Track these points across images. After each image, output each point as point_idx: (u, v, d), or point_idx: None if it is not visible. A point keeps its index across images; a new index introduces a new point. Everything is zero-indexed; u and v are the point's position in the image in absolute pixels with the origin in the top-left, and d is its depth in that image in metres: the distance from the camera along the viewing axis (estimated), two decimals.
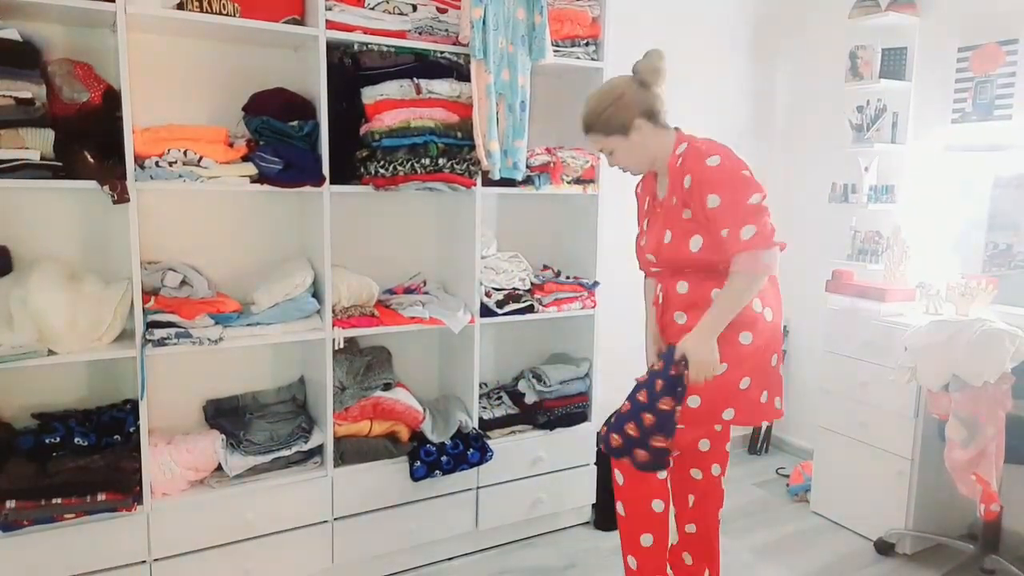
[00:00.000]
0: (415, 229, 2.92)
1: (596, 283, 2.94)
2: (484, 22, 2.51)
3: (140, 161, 2.15)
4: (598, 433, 2.42)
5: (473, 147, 2.57)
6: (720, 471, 2.35)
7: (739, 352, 2.05)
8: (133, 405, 2.27)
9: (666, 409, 2.04)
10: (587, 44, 2.85)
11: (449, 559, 2.79)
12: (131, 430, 2.24)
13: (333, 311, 2.48)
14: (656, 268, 2.21)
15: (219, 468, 2.38)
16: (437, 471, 2.60)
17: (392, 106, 2.45)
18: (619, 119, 2.10)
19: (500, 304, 2.75)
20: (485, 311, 2.73)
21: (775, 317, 2.12)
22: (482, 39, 2.51)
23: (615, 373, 2.89)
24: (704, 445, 2.30)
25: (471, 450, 2.64)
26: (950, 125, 3.13)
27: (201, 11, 2.19)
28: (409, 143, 2.46)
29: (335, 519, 2.52)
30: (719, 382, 2.05)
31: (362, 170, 2.49)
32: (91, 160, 2.10)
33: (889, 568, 2.82)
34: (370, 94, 2.46)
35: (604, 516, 3.05)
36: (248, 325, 2.36)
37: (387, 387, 2.64)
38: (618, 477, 2.16)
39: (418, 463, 2.58)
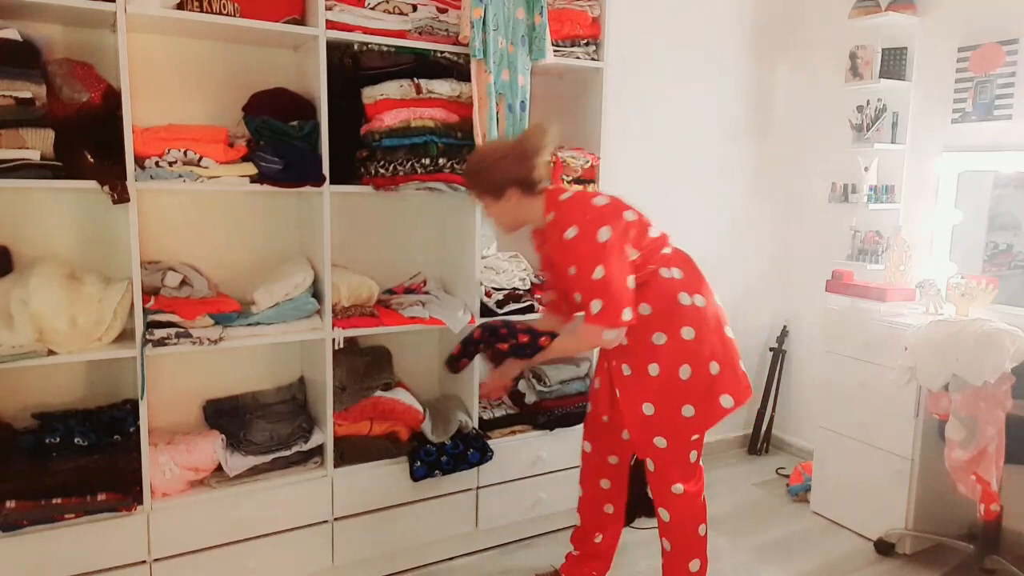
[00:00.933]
0: (415, 229, 2.92)
1: None
2: (484, 22, 2.50)
3: (140, 161, 2.15)
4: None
5: (473, 147, 2.56)
6: (655, 471, 2.25)
7: (688, 348, 2.13)
8: (133, 405, 2.27)
9: (476, 337, 2.28)
10: (587, 44, 2.85)
11: (449, 559, 2.79)
12: (131, 430, 2.24)
13: (333, 311, 2.47)
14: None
15: (219, 468, 2.37)
16: (437, 471, 2.59)
17: (392, 106, 2.45)
18: (492, 183, 2.17)
19: (500, 304, 2.75)
20: (485, 311, 2.73)
21: (707, 304, 2.18)
22: (482, 39, 2.51)
23: None
24: (660, 441, 2.20)
25: (471, 450, 2.64)
26: (950, 125, 3.13)
27: (201, 11, 2.19)
28: (409, 143, 2.46)
29: (335, 519, 2.52)
30: (694, 386, 2.13)
31: (362, 170, 2.49)
32: (91, 160, 2.10)
33: (889, 568, 2.82)
34: (370, 94, 2.46)
35: None
36: (248, 325, 2.35)
37: (387, 387, 2.63)
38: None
39: (418, 463, 2.58)
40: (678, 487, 2.20)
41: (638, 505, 3.13)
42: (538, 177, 2.17)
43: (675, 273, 2.16)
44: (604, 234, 2.05)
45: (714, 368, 2.13)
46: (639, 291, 2.11)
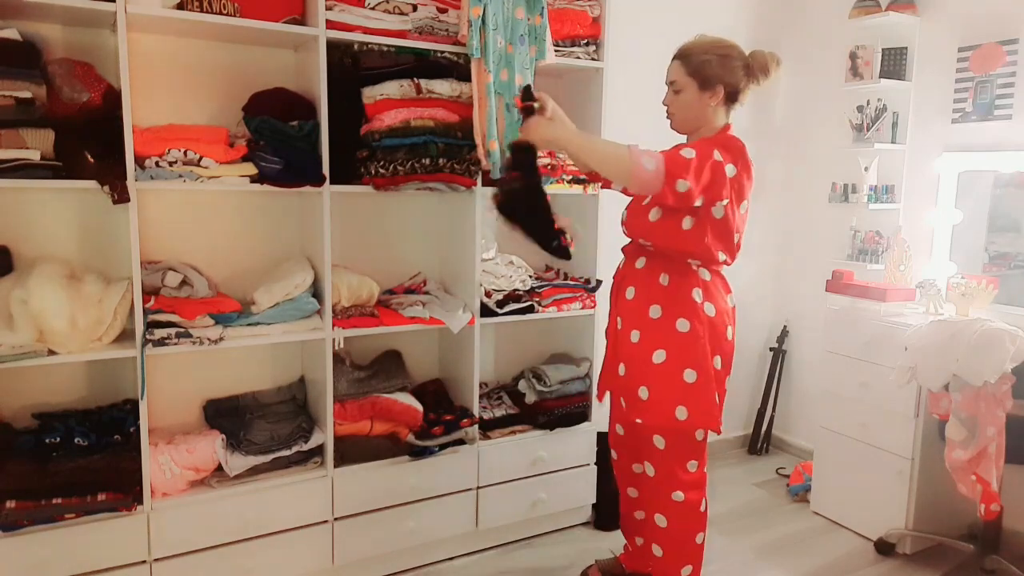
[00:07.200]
0: (415, 229, 2.92)
1: (600, 282, 2.93)
2: (483, 21, 2.50)
3: (140, 161, 2.15)
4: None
5: (473, 147, 2.56)
6: (655, 476, 2.21)
7: (675, 339, 2.10)
8: (133, 405, 2.27)
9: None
10: (587, 44, 2.85)
11: (449, 559, 2.79)
12: (131, 430, 2.24)
13: (333, 311, 2.47)
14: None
15: (219, 468, 2.37)
16: (435, 435, 2.64)
17: (392, 106, 2.45)
18: (709, 71, 2.07)
19: (500, 304, 2.74)
20: (485, 311, 2.73)
21: (719, 316, 2.15)
22: (480, 38, 2.50)
23: None
24: (659, 442, 2.18)
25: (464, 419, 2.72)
26: (950, 125, 3.13)
27: (201, 11, 2.18)
28: (409, 143, 2.46)
29: (335, 519, 2.52)
30: (661, 371, 2.10)
31: (362, 170, 2.49)
32: (91, 160, 2.09)
33: (889, 568, 2.82)
34: (370, 94, 2.46)
35: (604, 516, 3.05)
36: (248, 325, 2.35)
37: (403, 389, 2.69)
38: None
39: (417, 442, 2.64)
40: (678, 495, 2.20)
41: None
42: (741, 98, 2.13)
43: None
44: (729, 168, 2.00)
45: (689, 376, 2.12)
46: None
